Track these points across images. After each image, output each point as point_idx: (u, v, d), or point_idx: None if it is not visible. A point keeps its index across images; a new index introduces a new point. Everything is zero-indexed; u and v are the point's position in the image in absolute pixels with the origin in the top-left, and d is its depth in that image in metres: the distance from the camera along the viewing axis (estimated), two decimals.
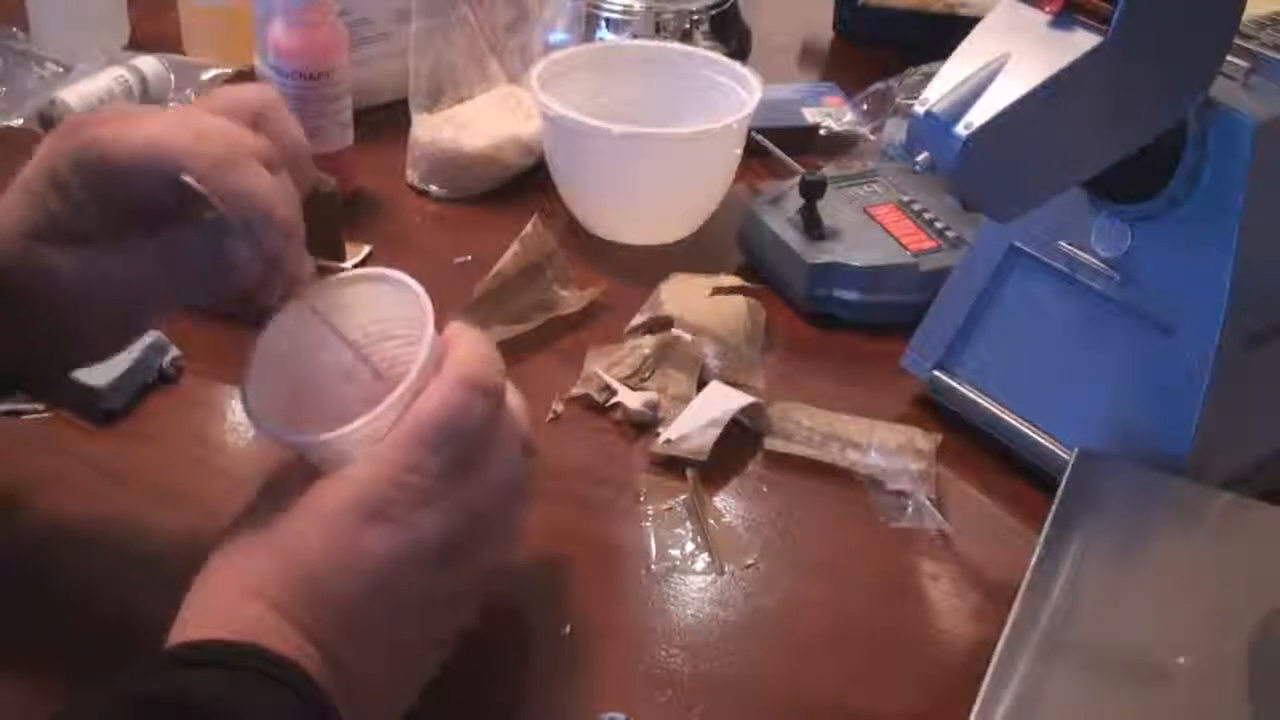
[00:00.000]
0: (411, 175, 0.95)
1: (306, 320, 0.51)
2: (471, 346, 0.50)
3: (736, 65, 0.91)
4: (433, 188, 0.94)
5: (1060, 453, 0.67)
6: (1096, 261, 0.65)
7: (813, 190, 0.82)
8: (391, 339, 0.53)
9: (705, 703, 0.55)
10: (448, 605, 0.49)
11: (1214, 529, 0.62)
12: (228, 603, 0.45)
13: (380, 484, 0.46)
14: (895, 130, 0.98)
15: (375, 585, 0.45)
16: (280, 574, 0.45)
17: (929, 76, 0.69)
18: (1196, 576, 0.58)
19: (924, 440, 0.70)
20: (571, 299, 0.81)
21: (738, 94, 0.88)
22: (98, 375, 0.68)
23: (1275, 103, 0.60)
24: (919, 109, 0.56)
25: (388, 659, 0.47)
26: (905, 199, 0.87)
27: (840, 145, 1.01)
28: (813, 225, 0.83)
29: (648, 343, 0.76)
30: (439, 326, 0.50)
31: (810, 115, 1.04)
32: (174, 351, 0.73)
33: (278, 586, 0.45)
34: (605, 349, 0.76)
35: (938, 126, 0.55)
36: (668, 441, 0.69)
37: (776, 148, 0.98)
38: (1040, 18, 0.55)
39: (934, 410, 0.74)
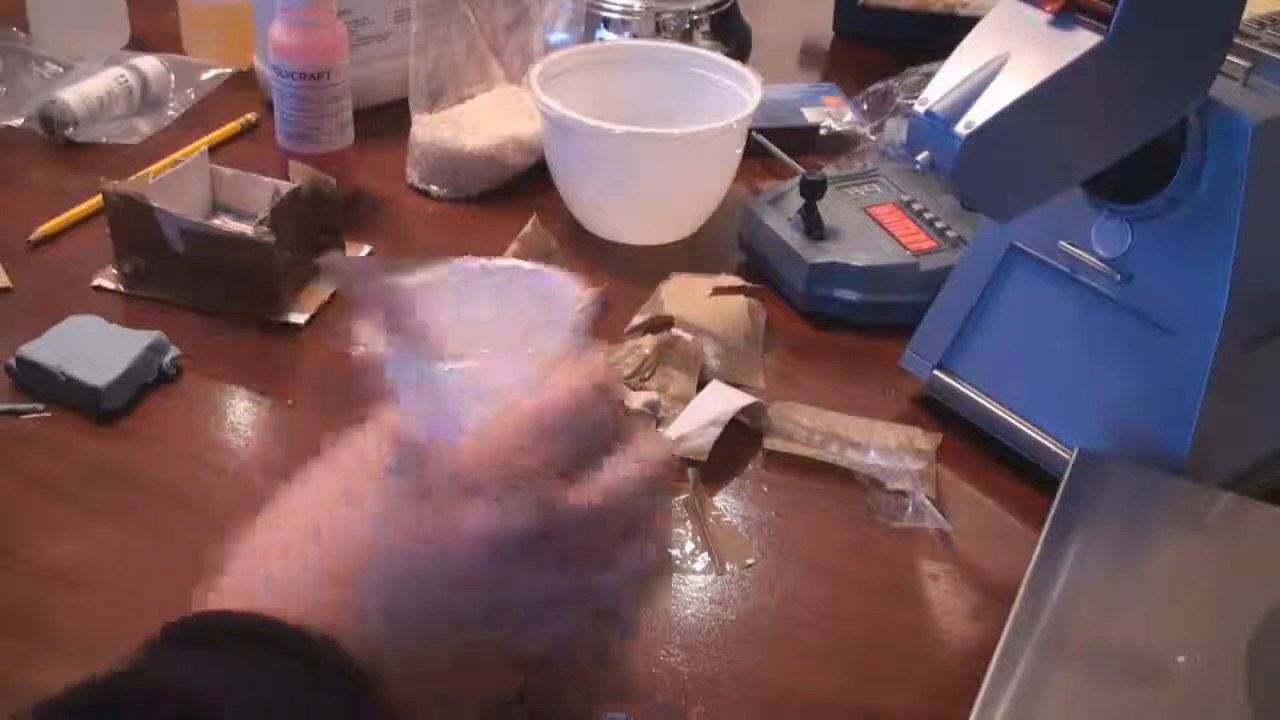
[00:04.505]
0: (411, 175, 0.95)
1: None
2: (601, 358, 0.48)
3: (736, 65, 0.90)
4: (433, 188, 0.94)
5: (1060, 453, 0.67)
6: (1096, 261, 0.65)
7: (813, 190, 0.82)
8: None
9: (705, 703, 0.55)
10: (528, 609, 0.44)
11: (1214, 529, 0.62)
12: (304, 576, 0.42)
13: (482, 462, 0.43)
14: (895, 130, 0.98)
15: (453, 568, 0.42)
16: (364, 548, 0.42)
17: (929, 76, 0.69)
18: (1196, 576, 0.58)
19: (924, 440, 0.70)
20: None
21: (738, 94, 0.88)
22: (98, 375, 0.68)
23: (1275, 103, 0.61)
24: (919, 109, 0.56)
25: (450, 656, 0.43)
26: (905, 199, 0.87)
27: (840, 145, 1.01)
28: (813, 225, 0.83)
29: (648, 343, 0.76)
30: None
31: (810, 115, 1.04)
32: (174, 351, 0.73)
33: (355, 561, 0.41)
34: (605, 349, 0.76)
35: (938, 126, 0.55)
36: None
37: (776, 148, 0.98)
38: (1040, 17, 0.55)
39: (934, 410, 0.74)
